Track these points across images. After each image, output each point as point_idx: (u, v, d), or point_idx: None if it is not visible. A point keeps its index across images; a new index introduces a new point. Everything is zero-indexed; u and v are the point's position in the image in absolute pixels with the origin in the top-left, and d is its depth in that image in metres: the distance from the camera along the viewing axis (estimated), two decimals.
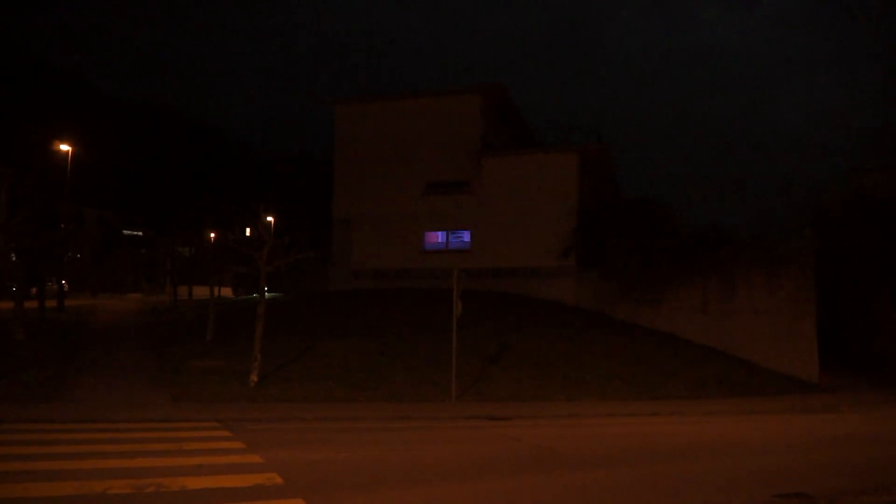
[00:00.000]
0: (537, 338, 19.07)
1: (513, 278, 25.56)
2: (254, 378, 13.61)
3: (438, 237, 28.56)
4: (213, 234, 34.18)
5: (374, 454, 8.14)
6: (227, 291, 42.42)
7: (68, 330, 21.81)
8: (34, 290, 29.36)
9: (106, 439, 8.42)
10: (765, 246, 22.95)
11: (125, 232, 62.31)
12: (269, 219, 30.85)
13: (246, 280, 40.29)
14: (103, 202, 59.76)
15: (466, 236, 27.53)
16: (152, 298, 44.64)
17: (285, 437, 9.20)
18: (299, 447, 8.46)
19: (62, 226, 25.61)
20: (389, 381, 14.71)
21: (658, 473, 7.62)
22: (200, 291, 37.40)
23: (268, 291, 25.77)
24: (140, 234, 62.63)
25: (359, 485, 6.55)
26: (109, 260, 52.63)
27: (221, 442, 8.62)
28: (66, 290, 32.86)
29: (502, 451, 8.72)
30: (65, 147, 26.31)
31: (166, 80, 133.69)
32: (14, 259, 20.71)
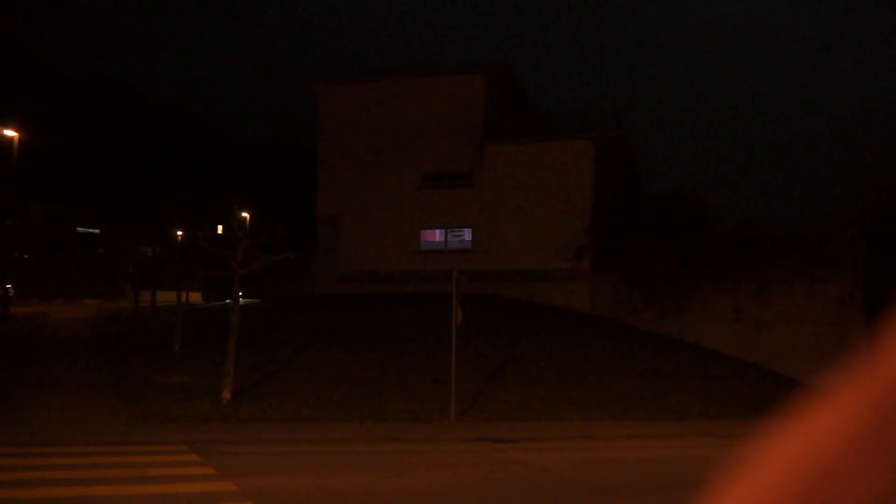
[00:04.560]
0: (547, 349, 19.11)
1: (520, 282, 25.60)
2: (226, 395, 13.62)
3: (436, 236, 28.57)
4: (180, 233, 34.19)
5: (363, 481, 8.16)
6: (196, 297, 42.37)
7: (14, 341, 21.79)
8: None
9: (58, 465, 8.43)
10: (807, 246, 23.01)
11: (79, 229, 62.24)
12: (245, 214, 30.87)
13: (218, 284, 40.29)
14: (54, 195, 59.61)
15: (468, 235, 27.56)
16: (111, 305, 44.62)
17: (262, 462, 9.23)
18: (278, 473, 8.48)
19: (6, 222, 25.62)
20: (381, 399, 14.74)
21: None
22: (166, 297, 37.33)
23: (243, 297, 25.73)
24: (97, 231, 62.54)
25: None
26: (61, 261, 52.60)
27: (189, 467, 8.63)
28: (11, 295, 32.85)
29: (507, 477, 8.75)
30: (9, 132, 26.27)
31: (125, 55, 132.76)
32: None
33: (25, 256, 44.40)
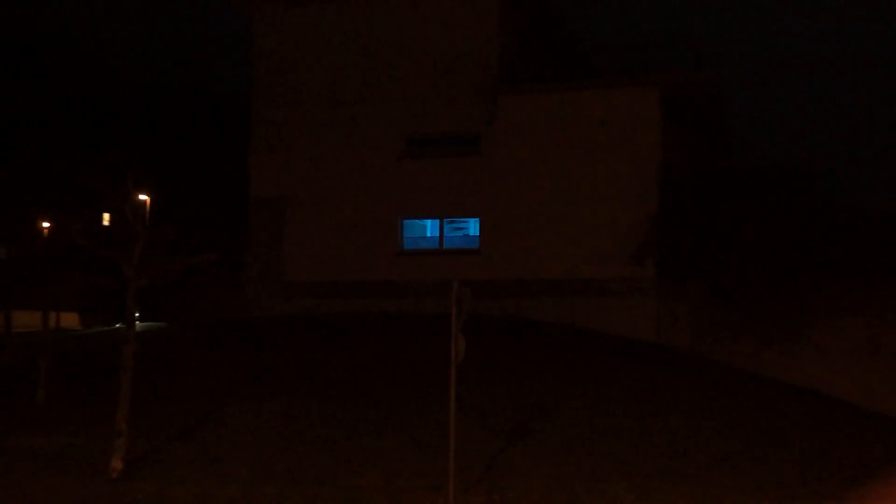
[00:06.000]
0: (591, 397, 19.13)
1: (551, 297, 25.59)
2: (117, 464, 13.61)
3: (427, 229, 28.52)
4: (47, 224, 34.15)
5: None
6: (71, 319, 42.25)
7: None
8: None
9: None
10: None
11: None
12: (144, 197, 30.80)
13: (103, 300, 40.15)
14: None
15: (473, 227, 27.53)
16: None
17: None
18: None
19: None
20: (345, 470, 14.74)
21: None
22: (26, 319, 37.22)
23: (142, 319, 25.66)
24: None
25: None
26: None
27: None
28: None
29: None
30: None
31: None
32: None
33: None
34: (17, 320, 35.87)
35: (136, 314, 14.95)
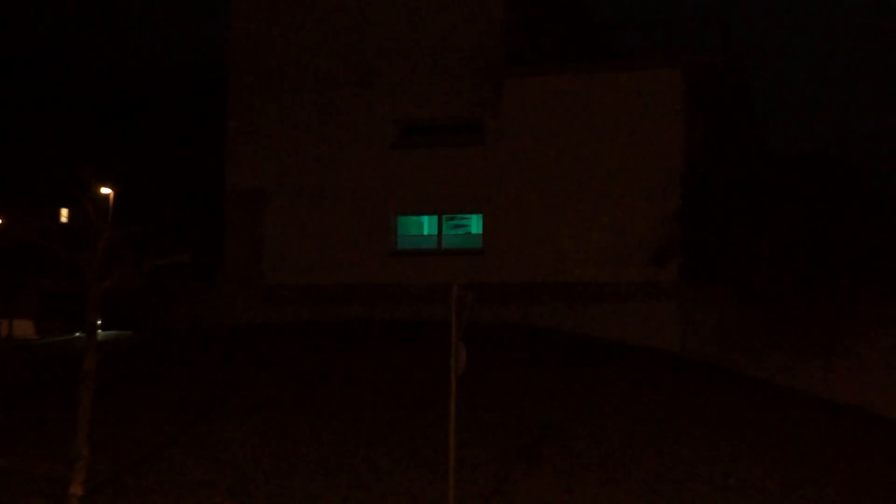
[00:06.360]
0: (605, 413, 19.13)
1: (562, 303, 25.57)
2: (77, 490, 13.51)
3: (424, 226, 28.45)
4: None
5: None
6: (25, 327, 42.23)
7: None
8: None
9: None
10: None
11: None
12: (107, 191, 30.70)
13: (61, 306, 40.09)
14: None
15: (475, 225, 27.48)
16: None
17: None
18: None
19: None
20: (337, 493, 14.72)
21: None
22: None
23: (105, 328, 25.55)
24: None
25: None
26: None
27: None
28: None
29: None
30: None
31: None
32: None
33: None
34: None
35: (99, 322, 14.81)
